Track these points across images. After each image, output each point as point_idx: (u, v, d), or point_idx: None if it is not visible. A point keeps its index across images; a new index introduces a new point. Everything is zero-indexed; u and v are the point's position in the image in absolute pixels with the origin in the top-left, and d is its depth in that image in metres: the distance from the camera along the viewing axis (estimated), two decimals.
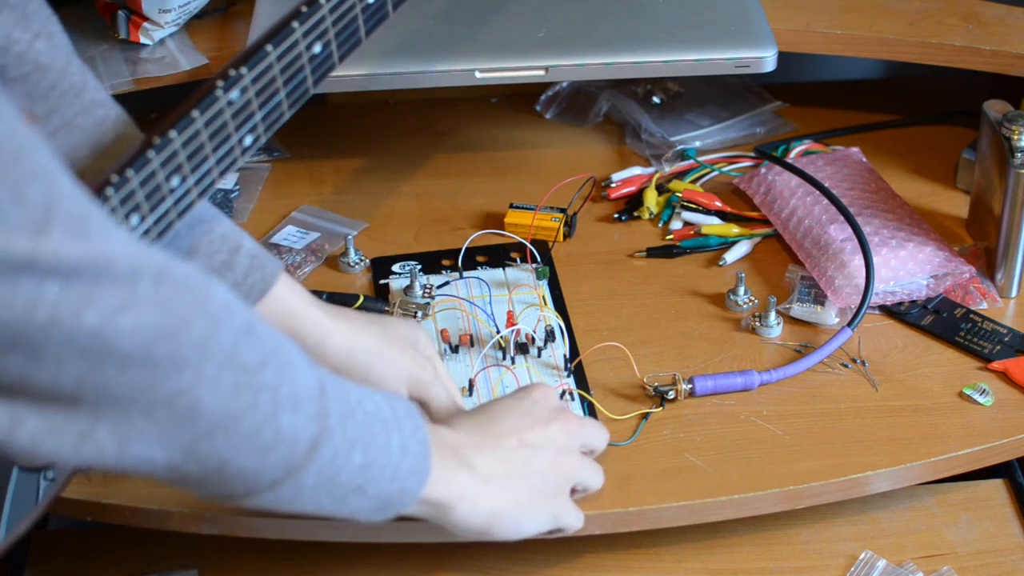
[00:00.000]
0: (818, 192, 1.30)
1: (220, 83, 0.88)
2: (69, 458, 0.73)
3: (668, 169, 1.41)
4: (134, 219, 0.85)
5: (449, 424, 0.96)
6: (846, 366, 1.19)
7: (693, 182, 1.39)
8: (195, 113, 0.87)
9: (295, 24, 0.91)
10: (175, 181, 0.87)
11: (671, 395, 1.15)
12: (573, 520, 1.00)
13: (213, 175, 0.90)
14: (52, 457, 0.73)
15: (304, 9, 0.92)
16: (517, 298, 1.24)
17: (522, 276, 1.27)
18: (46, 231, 0.66)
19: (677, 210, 1.35)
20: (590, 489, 1.02)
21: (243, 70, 0.89)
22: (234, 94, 0.88)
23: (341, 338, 1.01)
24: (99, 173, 0.92)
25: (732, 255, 1.30)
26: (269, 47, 0.90)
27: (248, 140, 0.92)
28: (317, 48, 0.94)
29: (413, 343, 1.05)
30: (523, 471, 0.95)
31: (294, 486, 0.81)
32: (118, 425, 0.73)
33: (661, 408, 1.15)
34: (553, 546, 1.15)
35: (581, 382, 1.16)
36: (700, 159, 1.41)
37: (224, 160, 0.90)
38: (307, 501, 0.83)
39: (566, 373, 1.16)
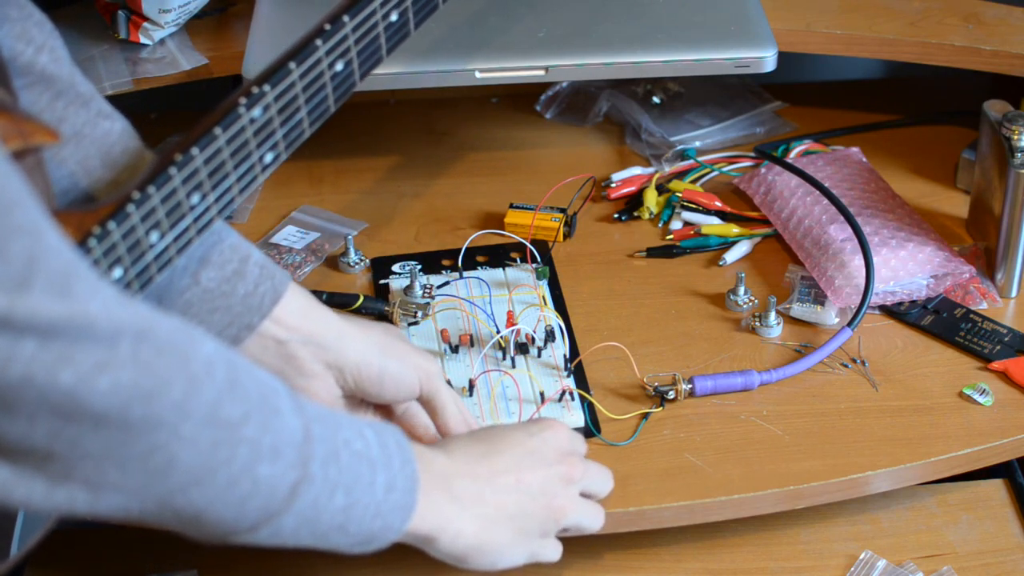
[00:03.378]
0: (818, 192, 1.30)
1: (243, 100, 0.87)
2: (41, 506, 0.73)
3: (668, 169, 1.41)
4: (153, 236, 0.85)
5: (448, 448, 0.95)
6: (846, 366, 1.19)
7: (693, 182, 1.39)
8: (217, 130, 0.86)
9: (318, 42, 0.91)
10: (195, 198, 0.87)
11: (671, 395, 1.15)
12: (551, 555, 0.99)
13: (233, 193, 0.89)
14: (24, 505, 0.73)
15: (327, 27, 0.91)
16: (517, 298, 1.24)
17: (522, 276, 1.27)
18: (26, 288, 0.65)
19: (677, 210, 1.35)
20: (586, 531, 1.01)
21: (266, 87, 0.88)
22: (256, 112, 0.88)
23: (356, 334, 1.02)
24: (111, 184, 0.92)
25: (732, 255, 1.30)
26: (292, 64, 0.90)
27: (269, 158, 0.91)
28: (339, 66, 0.94)
29: (408, 341, 1.06)
30: (513, 513, 0.94)
31: (274, 528, 0.82)
32: (90, 478, 0.73)
33: (661, 408, 1.15)
34: None
35: (581, 382, 1.16)
36: (700, 159, 1.41)
37: (244, 178, 0.90)
38: (288, 539, 0.83)
39: (566, 373, 1.16)
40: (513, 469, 0.95)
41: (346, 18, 0.92)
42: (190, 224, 0.87)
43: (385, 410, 1.07)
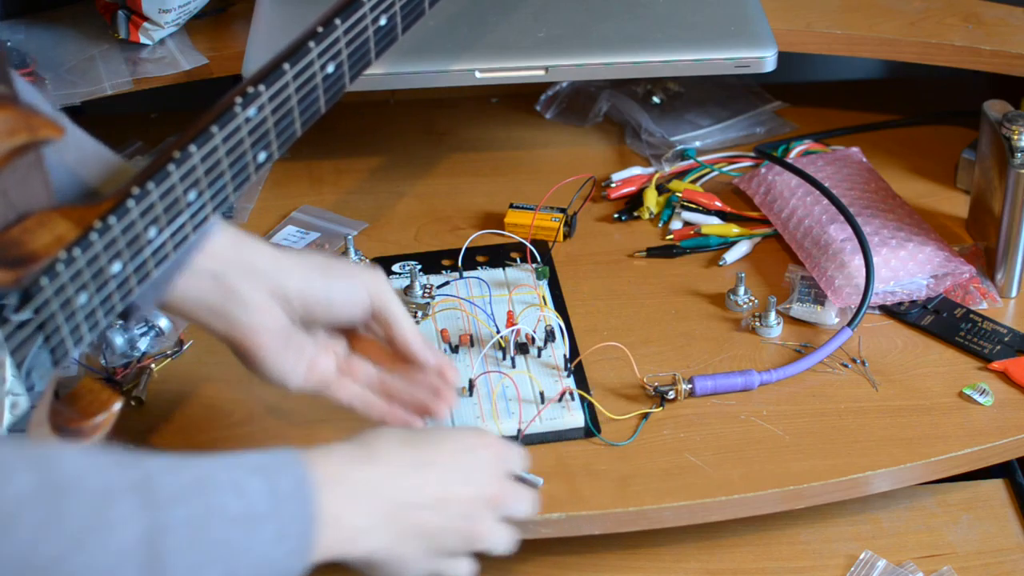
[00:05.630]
0: (818, 192, 1.30)
1: (239, 100, 0.89)
2: None
3: (668, 169, 1.41)
4: (152, 232, 0.85)
5: (375, 451, 0.89)
6: (846, 366, 1.19)
7: (693, 182, 1.39)
8: (214, 129, 0.88)
9: (311, 44, 0.92)
10: (192, 195, 0.88)
11: (671, 395, 1.15)
12: (460, 573, 0.93)
13: (228, 190, 0.90)
14: None
15: (320, 30, 0.93)
16: (517, 298, 1.24)
17: (522, 276, 1.27)
18: None
19: (677, 210, 1.35)
20: (493, 552, 0.94)
21: (261, 88, 0.90)
22: (252, 111, 0.89)
23: (293, 258, 0.99)
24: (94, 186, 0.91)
25: (732, 255, 1.30)
26: (286, 66, 0.91)
27: (262, 157, 0.92)
28: (330, 68, 0.95)
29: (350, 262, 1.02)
30: (430, 531, 0.89)
31: None
32: None
33: (661, 408, 1.15)
34: (553, 546, 1.15)
35: (581, 382, 1.16)
36: (700, 159, 1.41)
37: (239, 176, 0.91)
38: None
39: (566, 373, 1.16)
40: (440, 485, 0.90)
41: (338, 21, 0.94)
42: (187, 220, 0.88)
43: (344, 334, 1.03)
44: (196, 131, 0.87)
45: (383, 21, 0.99)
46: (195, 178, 0.87)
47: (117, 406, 0.92)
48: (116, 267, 0.84)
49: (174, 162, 0.86)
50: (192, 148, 0.87)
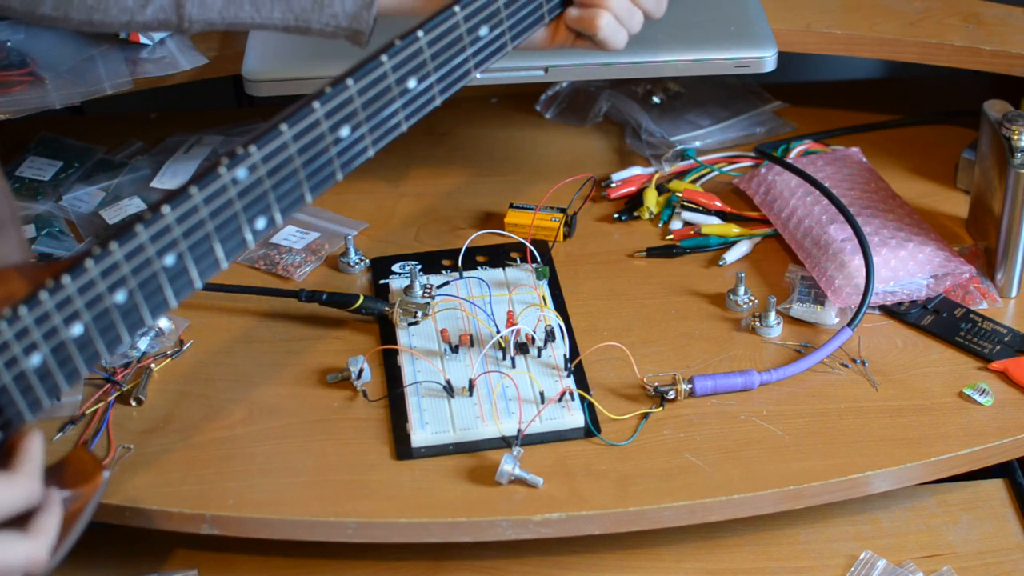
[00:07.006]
0: (818, 192, 1.30)
1: (225, 160, 0.84)
2: None
3: (668, 169, 1.41)
4: (119, 295, 0.82)
5: None
6: (846, 366, 1.19)
7: (693, 182, 1.39)
8: (193, 190, 0.83)
9: (316, 104, 0.87)
10: (170, 259, 0.83)
11: (671, 395, 1.15)
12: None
13: (217, 255, 0.85)
14: None
15: (328, 89, 0.87)
16: (517, 298, 1.24)
17: (522, 276, 1.27)
18: None
19: (677, 210, 1.35)
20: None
21: (252, 148, 0.85)
22: (241, 172, 0.85)
23: None
24: None
25: (732, 255, 1.30)
26: (284, 126, 0.86)
27: (261, 223, 0.87)
28: (344, 131, 0.89)
29: None
30: None
31: None
32: None
33: (661, 408, 1.15)
34: (553, 546, 1.15)
35: (581, 382, 1.16)
36: (700, 159, 1.41)
37: (230, 240, 0.86)
38: None
39: (566, 373, 1.16)
40: None
41: (350, 81, 0.88)
42: (164, 283, 0.84)
43: None
44: (175, 192, 0.83)
45: (412, 83, 0.92)
46: (170, 240, 0.83)
47: (103, 477, 0.91)
48: (77, 329, 0.80)
49: (143, 223, 0.81)
50: (166, 209, 0.82)
